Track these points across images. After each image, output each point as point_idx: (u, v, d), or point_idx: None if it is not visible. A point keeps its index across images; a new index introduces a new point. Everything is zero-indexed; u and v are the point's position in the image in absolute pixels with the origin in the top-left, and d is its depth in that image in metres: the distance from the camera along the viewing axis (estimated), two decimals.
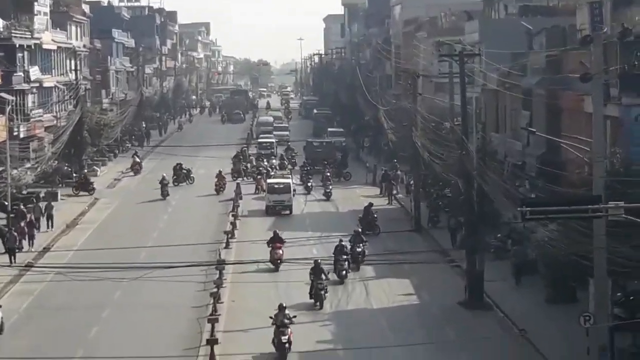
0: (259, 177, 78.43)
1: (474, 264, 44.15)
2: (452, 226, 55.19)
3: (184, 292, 45.55)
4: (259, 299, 45.29)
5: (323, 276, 43.54)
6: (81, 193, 74.63)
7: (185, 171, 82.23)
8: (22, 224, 56.46)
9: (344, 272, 47.64)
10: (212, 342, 36.59)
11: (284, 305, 37.30)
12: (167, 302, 44.76)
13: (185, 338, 39.43)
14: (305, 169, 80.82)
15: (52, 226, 61.12)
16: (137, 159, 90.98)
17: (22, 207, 60.30)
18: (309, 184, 76.44)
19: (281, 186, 67.50)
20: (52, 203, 63.95)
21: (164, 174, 76.97)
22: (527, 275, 45.88)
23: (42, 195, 70.71)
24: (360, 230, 53.30)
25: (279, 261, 49.82)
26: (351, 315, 43.26)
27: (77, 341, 39.22)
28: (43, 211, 61.80)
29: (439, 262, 51.51)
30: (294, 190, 70.65)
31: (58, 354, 37.14)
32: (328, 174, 77.41)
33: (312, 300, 43.36)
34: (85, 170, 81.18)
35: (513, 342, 38.37)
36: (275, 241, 50.72)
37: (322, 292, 43.22)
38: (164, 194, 74.60)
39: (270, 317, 36.70)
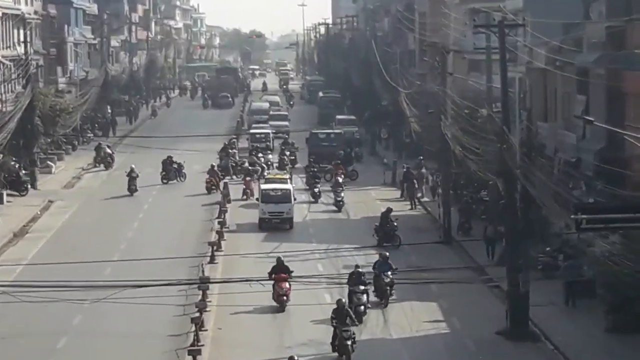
0: (247, 178, 76.48)
1: (516, 284, 44.18)
2: (488, 236, 55.48)
3: (159, 317, 45.48)
4: (252, 328, 45.44)
5: (349, 320, 39.38)
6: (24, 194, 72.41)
7: (176, 166, 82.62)
8: None
9: (362, 307, 44.11)
10: None
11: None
12: (139, 330, 44.75)
13: None
14: (312, 170, 77.79)
15: None
16: (108, 150, 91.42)
17: None
18: (316, 190, 73.41)
19: (279, 193, 63.93)
20: None
21: (133, 165, 77.65)
22: (583, 298, 46.01)
23: None
24: (387, 255, 48.66)
25: (284, 298, 45.97)
26: (366, 347, 42.66)
27: None
28: None
29: (474, 281, 51.61)
30: (295, 198, 66.76)
31: None
32: (340, 178, 73.81)
33: (336, 354, 39.76)
34: (37, 165, 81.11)
35: None
36: (280, 271, 46.15)
37: (349, 343, 38.79)
38: (132, 189, 75.54)
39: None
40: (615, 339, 41.20)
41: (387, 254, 48.04)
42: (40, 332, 44.59)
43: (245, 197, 74.08)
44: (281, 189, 64.11)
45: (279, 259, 47.11)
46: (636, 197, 36.46)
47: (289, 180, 70.69)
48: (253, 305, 47.47)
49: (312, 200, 72.02)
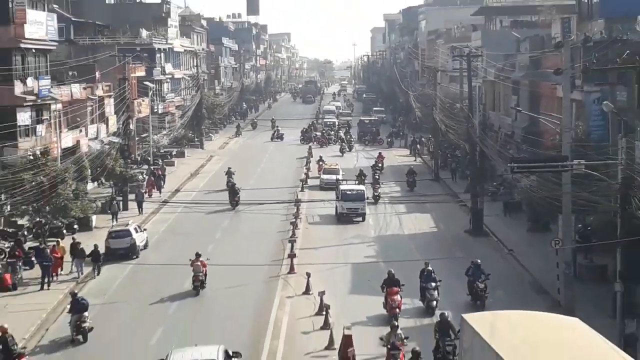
0: (321, 165, 61.94)
1: (476, 203, 44.09)
2: (452, 168, 59.70)
3: (272, 221, 45.59)
4: (327, 227, 45.55)
5: (452, 334, 24.59)
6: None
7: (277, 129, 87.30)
8: (153, 178, 55.80)
9: (434, 302, 30.08)
10: (291, 256, 36.93)
11: (397, 324, 25.31)
12: (260, 228, 44.94)
13: (273, 253, 39.64)
14: (376, 173, 58.14)
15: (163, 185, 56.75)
16: (241, 128, 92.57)
17: (152, 169, 58.99)
18: (377, 194, 52.81)
19: (354, 193, 48.15)
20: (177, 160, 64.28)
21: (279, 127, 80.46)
22: (513, 212, 45.74)
23: (173, 153, 71.64)
24: (479, 262, 31.71)
25: (397, 310, 29.17)
26: (389, 238, 43.14)
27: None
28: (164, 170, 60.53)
29: (452, 202, 51.44)
30: (367, 197, 49.39)
31: (186, 262, 37.80)
32: (377, 176, 57.43)
33: None
34: (203, 135, 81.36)
35: (504, 259, 38.36)
36: (391, 284, 29.85)
37: (451, 358, 24.46)
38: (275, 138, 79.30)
39: (381, 339, 25.23)
40: (532, 235, 41.01)
41: (479, 261, 31.67)
42: (206, 230, 44.70)
43: (318, 172, 60.83)
44: (357, 190, 48.54)
45: (389, 273, 30.33)
46: (546, 154, 36.05)
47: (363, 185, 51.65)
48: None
49: (373, 201, 51.41)
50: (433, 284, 30.11)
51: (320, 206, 48.60)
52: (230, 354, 23.19)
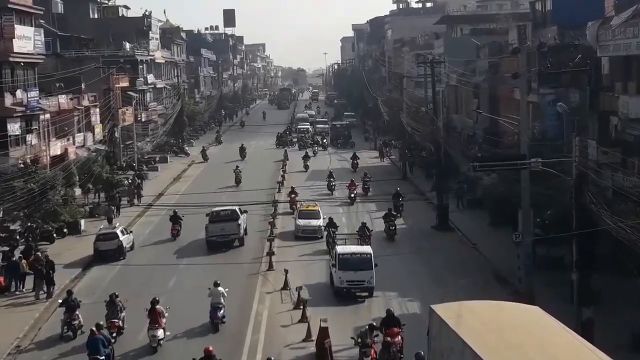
0: (293, 197, 48.52)
1: (442, 200, 44.22)
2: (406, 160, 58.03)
3: (252, 221, 45.01)
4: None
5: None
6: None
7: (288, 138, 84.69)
8: (132, 186, 53.08)
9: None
10: (270, 254, 36.74)
11: (374, 324, 23.80)
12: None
13: (254, 250, 39.45)
14: (391, 216, 41.93)
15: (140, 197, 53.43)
16: (220, 134, 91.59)
17: (133, 177, 55.69)
18: (392, 228, 41.09)
19: (358, 258, 31.27)
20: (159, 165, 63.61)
21: (242, 143, 76.83)
22: (476, 208, 45.87)
23: (157, 159, 71.22)
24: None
25: (397, 351, 23.28)
26: None
27: (184, 254, 39.59)
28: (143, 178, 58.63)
29: (419, 199, 51.51)
30: (376, 264, 31.26)
31: (171, 263, 37.59)
32: (355, 182, 51.55)
33: None
34: (186, 148, 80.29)
35: (468, 251, 38.46)
36: (391, 324, 24.57)
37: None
38: (243, 155, 73.46)
39: (352, 338, 23.95)
40: (494, 229, 41.03)
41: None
42: (190, 230, 43.87)
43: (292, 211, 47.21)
44: (361, 253, 31.69)
45: (389, 311, 25.18)
46: (505, 153, 36.27)
47: (366, 245, 34.49)
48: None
49: (389, 238, 40.91)
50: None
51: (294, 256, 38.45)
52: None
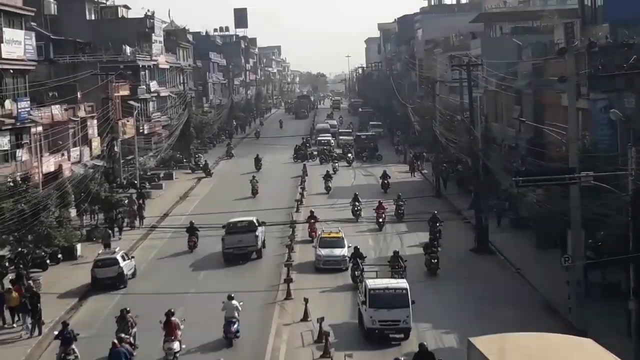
0: (313, 223, 47.06)
1: (481, 220, 44.13)
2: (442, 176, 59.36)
3: (268, 244, 45.28)
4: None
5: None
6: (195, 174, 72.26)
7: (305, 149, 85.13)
8: (134, 207, 53.00)
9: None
10: (288, 281, 36.67)
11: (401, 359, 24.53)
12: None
13: (269, 278, 39.61)
14: (431, 250, 39.87)
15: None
16: (232, 147, 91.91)
17: (132, 197, 54.71)
18: (434, 262, 39.20)
19: (392, 293, 29.91)
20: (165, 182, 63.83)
21: (258, 153, 78.55)
22: (520, 228, 45.71)
23: (161, 175, 71.65)
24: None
25: None
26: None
27: (190, 282, 39.69)
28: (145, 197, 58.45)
29: (455, 219, 51.38)
30: (413, 301, 29.84)
31: (177, 291, 37.64)
32: (383, 204, 50.32)
33: None
34: (202, 159, 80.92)
35: (511, 277, 38.27)
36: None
37: None
38: (258, 167, 76.08)
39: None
40: (541, 252, 40.97)
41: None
42: (198, 254, 44.77)
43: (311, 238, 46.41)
44: (395, 288, 30.17)
45: (422, 346, 25.31)
46: (552, 166, 36.19)
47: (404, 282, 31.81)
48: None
49: (431, 272, 39.27)
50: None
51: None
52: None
